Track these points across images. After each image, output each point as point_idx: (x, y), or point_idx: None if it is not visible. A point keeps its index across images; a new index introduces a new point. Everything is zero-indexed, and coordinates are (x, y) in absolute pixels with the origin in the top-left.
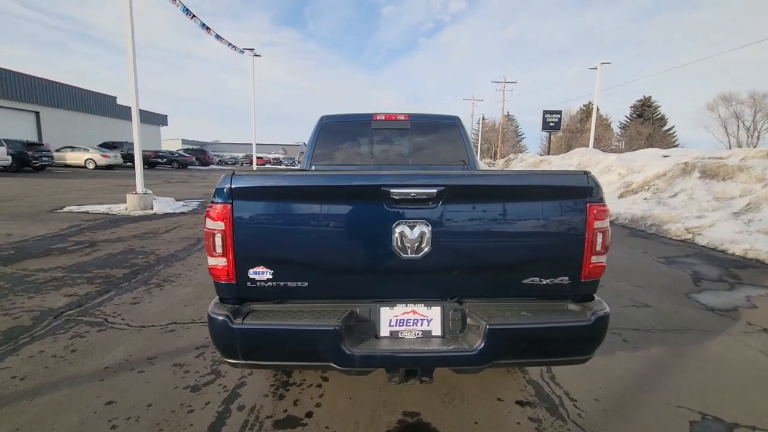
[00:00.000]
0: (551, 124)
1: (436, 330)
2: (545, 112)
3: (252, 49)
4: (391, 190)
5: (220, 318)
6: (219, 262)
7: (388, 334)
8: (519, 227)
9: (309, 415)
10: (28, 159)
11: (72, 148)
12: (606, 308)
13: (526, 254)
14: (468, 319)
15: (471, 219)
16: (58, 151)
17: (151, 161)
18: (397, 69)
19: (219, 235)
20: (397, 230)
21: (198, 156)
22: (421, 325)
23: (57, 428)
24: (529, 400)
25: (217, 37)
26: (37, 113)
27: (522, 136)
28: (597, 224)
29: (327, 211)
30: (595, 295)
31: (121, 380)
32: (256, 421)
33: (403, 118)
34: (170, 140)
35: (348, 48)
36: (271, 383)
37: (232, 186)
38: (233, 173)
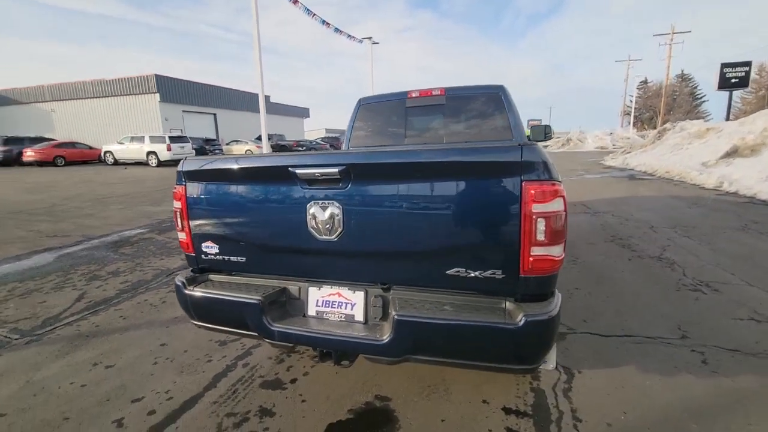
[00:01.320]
0: (733, 80)
1: (359, 315)
2: (724, 66)
3: (370, 38)
4: (297, 171)
5: (179, 283)
6: (181, 236)
7: (314, 314)
8: (438, 210)
9: (293, 381)
10: (206, 151)
11: (237, 141)
12: (551, 312)
13: (447, 241)
14: (389, 307)
15: (384, 200)
16: (227, 144)
17: (293, 149)
18: (538, 35)
19: (178, 213)
20: (311, 211)
21: (332, 143)
22: (345, 308)
23: (123, 357)
24: (520, 409)
25: (336, 30)
26: (214, 114)
27: (702, 99)
28: (537, 208)
29: (252, 192)
30: (555, 295)
31: (179, 329)
32: (249, 378)
33: (438, 93)
34: (315, 130)
35: (484, 20)
36: (279, 349)
37: (183, 170)
38: (185, 158)
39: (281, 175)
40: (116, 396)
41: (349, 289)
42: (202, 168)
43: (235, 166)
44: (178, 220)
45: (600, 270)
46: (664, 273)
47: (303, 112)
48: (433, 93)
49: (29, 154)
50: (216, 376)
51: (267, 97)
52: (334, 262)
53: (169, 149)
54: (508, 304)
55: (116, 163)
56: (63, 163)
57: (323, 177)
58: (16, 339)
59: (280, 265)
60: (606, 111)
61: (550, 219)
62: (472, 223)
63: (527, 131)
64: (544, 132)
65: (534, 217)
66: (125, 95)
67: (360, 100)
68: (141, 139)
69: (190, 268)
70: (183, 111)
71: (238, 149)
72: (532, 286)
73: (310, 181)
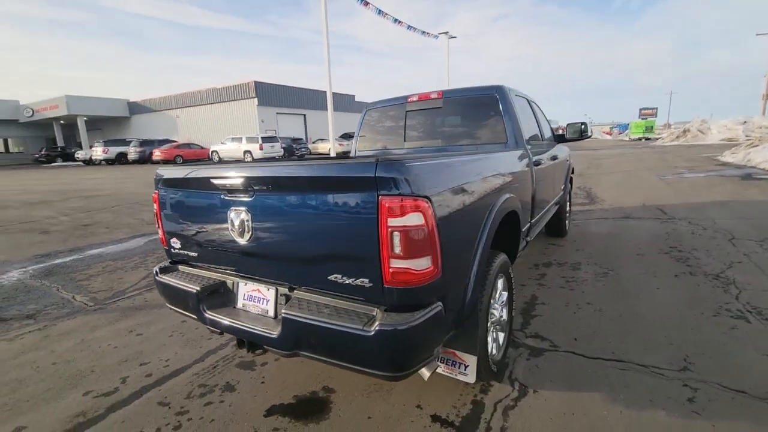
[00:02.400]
0: None
1: (270, 311)
2: None
3: (446, 32)
4: (215, 182)
5: (154, 271)
6: (158, 232)
7: (241, 306)
8: (313, 220)
9: (264, 364)
10: (293, 150)
11: (322, 140)
12: (412, 323)
13: (322, 249)
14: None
15: (277, 209)
16: (313, 143)
17: None
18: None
19: (155, 213)
20: (230, 216)
21: None
22: (262, 303)
23: (152, 328)
24: (449, 419)
25: (409, 27)
26: (304, 115)
27: None
28: (392, 222)
29: (194, 197)
30: (428, 306)
31: None
32: (231, 357)
33: (435, 96)
34: None
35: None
36: None
37: (156, 178)
38: (159, 168)
39: (208, 184)
40: (132, 358)
41: (265, 287)
42: (164, 177)
43: (181, 176)
44: (156, 219)
45: (630, 286)
46: (711, 294)
47: None
48: (431, 96)
49: (156, 153)
50: (207, 353)
51: (352, 96)
52: (253, 262)
53: (261, 148)
54: (378, 312)
55: (220, 161)
56: (181, 161)
57: (232, 187)
58: (90, 306)
59: (218, 261)
60: (743, 98)
61: (406, 233)
62: (340, 233)
63: (562, 131)
64: (580, 130)
65: (389, 230)
66: (230, 101)
67: (366, 105)
68: (239, 139)
69: (168, 260)
70: (277, 113)
71: (323, 147)
72: (396, 296)
73: (229, 190)
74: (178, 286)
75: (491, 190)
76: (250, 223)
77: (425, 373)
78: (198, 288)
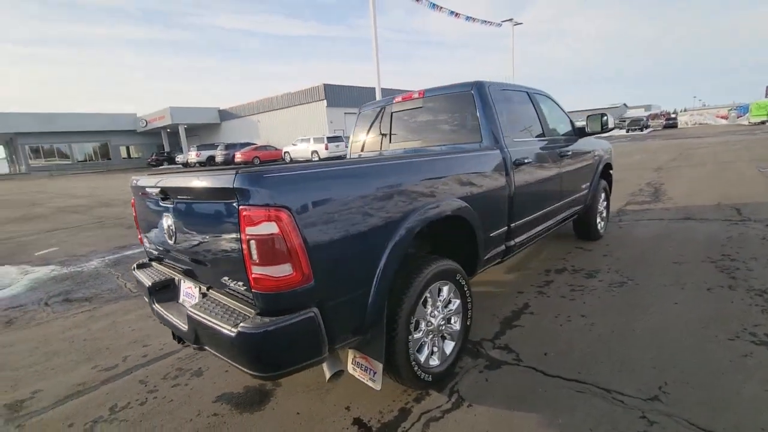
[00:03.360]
0: None
1: None
2: None
3: (511, 19)
4: (149, 190)
5: (132, 267)
6: (138, 234)
7: (181, 302)
8: (204, 226)
9: None
10: None
11: None
12: (267, 328)
13: (212, 254)
14: None
15: (185, 214)
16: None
17: None
18: None
19: (133, 216)
20: (163, 220)
21: None
22: (191, 300)
23: None
24: (369, 424)
25: (468, 18)
26: None
27: None
28: (249, 231)
29: (148, 203)
30: (297, 312)
31: None
32: None
33: (417, 96)
34: None
35: None
36: None
37: (131, 184)
38: (133, 177)
39: (151, 192)
40: (140, 341)
41: (194, 285)
42: (134, 185)
43: (141, 184)
44: (135, 221)
45: (644, 298)
46: (741, 314)
47: None
48: (414, 96)
49: (237, 156)
50: None
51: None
52: (183, 262)
53: (326, 148)
54: (252, 315)
55: (291, 161)
56: (258, 162)
57: (161, 195)
58: (133, 293)
59: (166, 260)
60: None
61: (260, 241)
62: (219, 240)
63: (583, 122)
64: (600, 122)
65: (247, 239)
66: (303, 104)
67: (360, 107)
68: (308, 140)
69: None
70: (345, 113)
71: None
72: (262, 301)
73: (162, 198)
74: (140, 280)
75: (395, 198)
76: (173, 227)
77: (326, 373)
78: (150, 283)
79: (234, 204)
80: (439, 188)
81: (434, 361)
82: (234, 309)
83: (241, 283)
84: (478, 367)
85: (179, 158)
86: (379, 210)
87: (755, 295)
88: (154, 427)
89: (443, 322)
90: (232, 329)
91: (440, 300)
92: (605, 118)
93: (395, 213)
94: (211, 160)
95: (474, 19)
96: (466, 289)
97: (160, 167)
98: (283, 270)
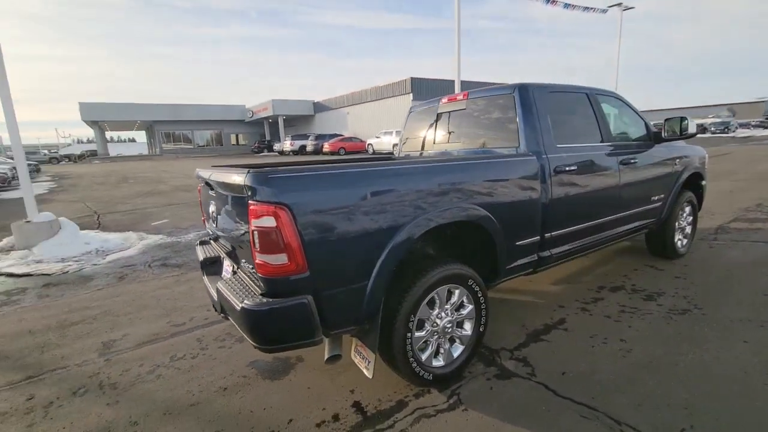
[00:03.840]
0: None
1: None
2: None
3: (619, 4)
4: (202, 179)
5: (197, 242)
6: (201, 215)
7: (222, 276)
8: (228, 215)
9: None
10: None
11: None
12: (261, 308)
13: (233, 240)
14: None
15: (218, 203)
16: None
17: None
18: None
19: (198, 201)
20: (210, 207)
21: None
22: (228, 275)
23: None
24: (366, 409)
25: (566, 6)
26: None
27: None
28: (254, 223)
29: (204, 191)
30: (291, 296)
31: None
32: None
33: (461, 98)
34: None
35: None
36: None
37: (195, 175)
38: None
39: (204, 181)
40: (205, 306)
41: (229, 264)
42: (197, 174)
43: (201, 175)
44: (200, 205)
45: (706, 332)
46: None
47: None
48: (458, 98)
49: (325, 146)
50: (199, 308)
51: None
52: (223, 243)
53: None
54: (259, 295)
55: (374, 153)
56: (344, 153)
57: (206, 185)
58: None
59: (217, 239)
60: None
61: (261, 233)
62: (239, 228)
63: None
64: (680, 126)
65: (252, 229)
66: (389, 97)
67: (411, 106)
68: (390, 133)
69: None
70: None
71: None
72: (264, 284)
73: (210, 188)
74: (198, 254)
75: (396, 202)
76: (215, 212)
77: (325, 355)
78: (203, 257)
79: (245, 198)
80: (451, 194)
81: (438, 362)
82: (249, 288)
83: (251, 267)
84: (488, 374)
85: (276, 146)
86: (379, 213)
87: None
88: (196, 378)
89: (451, 325)
90: (238, 304)
91: (450, 303)
92: (685, 122)
93: (396, 217)
94: (302, 149)
95: (573, 6)
96: (480, 295)
97: (260, 154)
98: (279, 259)
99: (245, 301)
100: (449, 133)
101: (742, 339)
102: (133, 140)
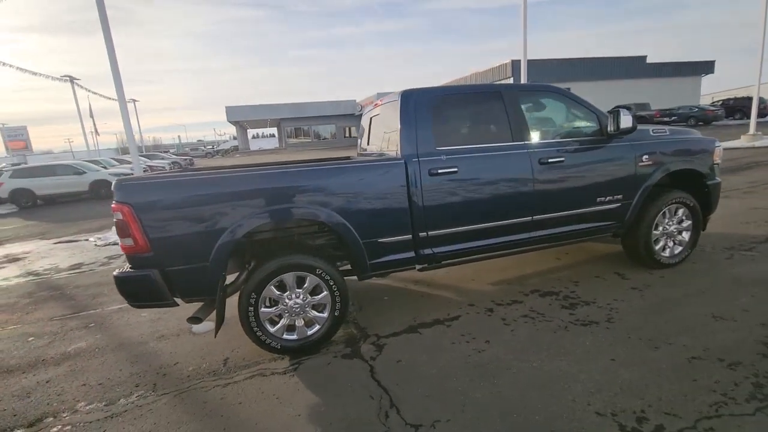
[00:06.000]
0: None
1: None
2: None
3: None
4: None
5: None
6: None
7: None
8: None
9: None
10: None
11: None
12: (117, 276)
13: None
14: None
15: None
16: None
17: (657, 121)
18: None
19: None
20: None
21: (736, 106)
22: None
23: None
24: (228, 364)
25: None
26: (568, 87)
27: None
28: (114, 216)
29: None
30: (143, 270)
31: None
32: None
33: (379, 103)
34: (724, 91)
35: None
36: None
37: None
38: None
39: None
40: None
41: None
42: None
43: None
44: None
45: (594, 348)
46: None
47: (698, 69)
48: (378, 104)
49: None
50: None
51: (643, 57)
52: None
53: None
54: (128, 268)
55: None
56: None
57: None
58: None
59: None
60: None
61: (117, 223)
62: None
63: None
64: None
65: (114, 221)
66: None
67: (361, 110)
68: None
69: None
70: None
71: None
72: (127, 260)
73: None
74: None
75: (228, 203)
76: None
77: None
78: None
79: None
80: (288, 197)
81: (291, 336)
82: None
83: None
84: (338, 353)
85: None
86: (212, 211)
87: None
88: (139, 328)
89: (299, 306)
90: (114, 272)
91: (303, 288)
92: (619, 116)
93: (224, 216)
94: None
95: None
96: (332, 283)
97: None
98: (128, 242)
99: (116, 271)
100: (373, 136)
101: (612, 357)
102: (273, 135)
